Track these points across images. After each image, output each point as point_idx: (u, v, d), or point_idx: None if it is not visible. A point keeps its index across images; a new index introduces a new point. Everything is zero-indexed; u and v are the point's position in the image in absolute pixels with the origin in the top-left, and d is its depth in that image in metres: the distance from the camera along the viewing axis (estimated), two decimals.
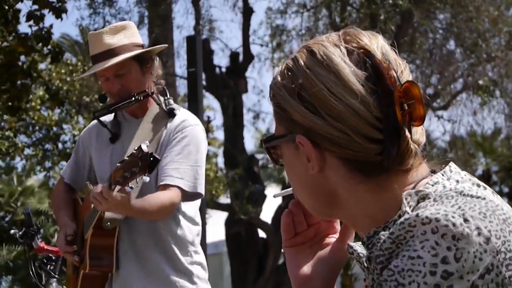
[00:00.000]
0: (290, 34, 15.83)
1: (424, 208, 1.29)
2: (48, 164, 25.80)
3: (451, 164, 1.42)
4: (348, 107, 1.34)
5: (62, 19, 10.32)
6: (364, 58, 1.38)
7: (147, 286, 3.80)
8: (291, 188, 1.55)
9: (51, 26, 10.26)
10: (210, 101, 19.05)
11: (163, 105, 3.89)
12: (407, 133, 1.35)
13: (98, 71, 3.83)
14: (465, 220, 1.23)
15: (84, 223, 3.83)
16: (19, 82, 10.41)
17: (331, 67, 1.37)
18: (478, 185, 1.38)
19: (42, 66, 18.82)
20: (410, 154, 1.37)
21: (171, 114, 3.86)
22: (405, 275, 1.22)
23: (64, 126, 24.41)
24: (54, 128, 24.45)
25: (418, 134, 1.39)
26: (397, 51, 1.44)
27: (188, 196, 3.81)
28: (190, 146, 3.81)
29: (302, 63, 1.41)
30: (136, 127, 3.90)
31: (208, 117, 17.16)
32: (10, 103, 10.82)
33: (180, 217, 3.87)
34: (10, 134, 22.83)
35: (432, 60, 15.86)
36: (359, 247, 1.42)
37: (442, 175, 1.38)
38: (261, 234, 15.92)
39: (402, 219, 1.28)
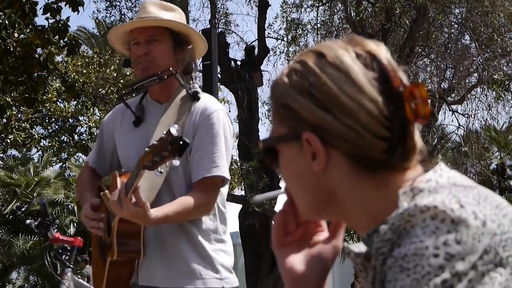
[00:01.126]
0: (305, 28, 15.84)
1: (421, 198, 1.34)
2: (64, 155, 25.95)
3: (441, 163, 1.48)
4: (359, 105, 1.40)
5: (78, 12, 10.38)
6: (371, 61, 1.44)
7: (169, 273, 3.74)
8: (273, 192, 1.61)
9: (67, 18, 10.31)
10: (225, 94, 19.08)
11: (187, 87, 3.84)
12: (414, 131, 1.42)
13: (134, 31, 3.82)
14: (461, 206, 1.29)
15: (110, 213, 3.75)
16: (35, 74, 10.47)
17: (342, 67, 1.43)
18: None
19: (58, 58, 18.93)
20: (415, 151, 1.44)
21: (195, 97, 3.80)
22: (409, 260, 1.26)
23: (80, 118, 24.51)
24: (70, 120, 24.57)
25: (416, 136, 1.45)
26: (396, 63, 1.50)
27: (225, 180, 3.78)
28: (218, 132, 3.75)
29: (312, 64, 1.46)
30: (160, 111, 3.85)
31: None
32: (26, 95, 10.88)
33: None
34: (27, 125, 22.98)
35: (447, 55, 15.82)
36: (355, 247, 1.47)
37: (434, 173, 1.44)
38: None
39: (401, 209, 1.33)
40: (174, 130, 3.09)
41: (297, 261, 1.57)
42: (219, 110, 3.82)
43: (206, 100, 3.86)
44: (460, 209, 1.28)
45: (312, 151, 1.45)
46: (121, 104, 4.05)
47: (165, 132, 3.13)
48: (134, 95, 4.27)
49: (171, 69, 3.75)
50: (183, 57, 3.86)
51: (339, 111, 1.41)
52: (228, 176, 3.78)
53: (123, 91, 4.02)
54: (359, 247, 1.46)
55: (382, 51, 1.46)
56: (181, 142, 3.08)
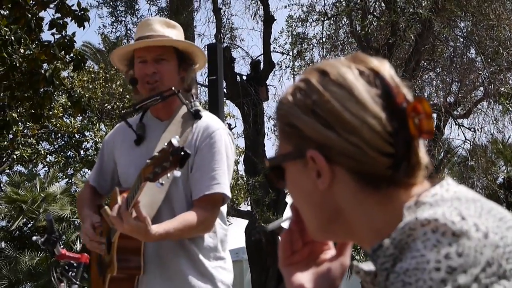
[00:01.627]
0: (310, 42, 15.86)
1: (422, 211, 1.34)
2: (70, 171, 25.95)
3: (448, 179, 1.47)
4: (362, 122, 1.40)
5: (84, 27, 10.41)
6: (374, 78, 1.44)
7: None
8: (285, 217, 1.60)
9: (73, 34, 10.33)
10: (231, 109, 19.08)
11: (189, 106, 3.85)
12: (418, 146, 1.42)
13: (140, 50, 3.82)
14: (462, 218, 1.28)
15: (110, 229, 3.75)
16: (41, 89, 10.48)
17: (345, 85, 1.44)
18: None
19: (64, 74, 18.98)
20: (420, 167, 1.43)
21: (197, 115, 3.82)
22: (411, 274, 1.26)
23: (86, 133, 24.52)
24: (76, 135, 24.58)
25: (422, 152, 1.44)
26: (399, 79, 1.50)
27: (225, 198, 3.79)
28: (220, 151, 3.77)
29: (316, 82, 1.47)
30: (162, 129, 3.87)
31: (229, 125, 17.17)
32: (32, 111, 10.89)
33: None
34: (33, 141, 23.00)
35: (453, 68, 15.83)
36: (365, 266, 1.47)
37: (440, 187, 1.43)
38: None
39: (402, 224, 1.33)
40: (175, 141, 3.11)
41: (305, 279, 1.57)
42: (221, 128, 3.84)
43: (207, 118, 3.88)
44: (461, 221, 1.28)
45: (317, 169, 1.45)
46: (122, 122, 4.05)
47: (166, 144, 3.13)
48: (133, 114, 4.29)
49: (173, 88, 3.76)
50: (187, 76, 3.88)
51: (343, 128, 1.41)
52: (229, 193, 3.79)
53: (125, 111, 4.06)
54: (369, 266, 1.45)
55: (385, 68, 1.46)
56: (182, 153, 3.10)
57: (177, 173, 3.14)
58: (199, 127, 3.81)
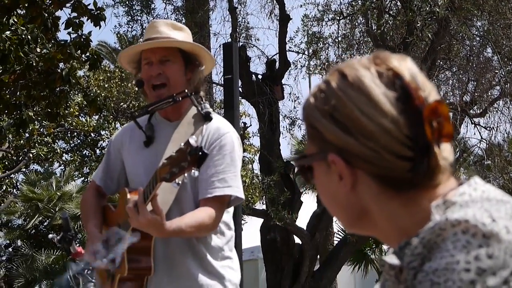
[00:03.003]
0: (326, 41, 15.80)
1: (452, 212, 1.33)
2: (86, 169, 25.99)
3: (475, 177, 1.46)
4: (379, 126, 1.40)
5: (100, 26, 10.43)
6: (393, 80, 1.44)
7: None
8: None
9: (89, 33, 10.36)
10: (246, 108, 19.06)
11: (199, 107, 3.87)
12: (436, 149, 1.40)
13: (146, 51, 3.85)
14: (493, 220, 1.27)
15: (120, 226, 3.78)
16: (58, 88, 10.51)
17: (362, 89, 1.43)
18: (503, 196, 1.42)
19: (80, 73, 19.03)
20: (440, 170, 1.42)
21: (207, 117, 3.84)
22: (440, 274, 1.25)
23: (102, 132, 24.58)
24: (92, 134, 24.64)
25: (446, 151, 1.44)
26: (424, 75, 1.49)
27: (232, 201, 3.83)
28: (231, 153, 3.80)
29: (335, 86, 1.47)
30: (171, 130, 3.89)
31: (244, 124, 17.13)
32: (49, 110, 10.93)
33: None
34: (49, 140, 23.06)
35: (469, 67, 15.74)
36: (389, 259, 1.45)
37: (468, 186, 1.42)
38: (297, 240, 15.90)
39: (431, 223, 1.33)
40: (193, 141, 3.11)
41: None
42: (231, 131, 3.87)
43: (218, 121, 3.90)
44: (492, 223, 1.27)
45: (338, 172, 1.45)
46: (131, 122, 4.07)
47: (183, 144, 3.14)
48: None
49: (186, 91, 3.78)
50: (194, 77, 3.89)
51: (360, 134, 1.41)
52: (243, 196, 3.82)
53: (136, 111, 4.08)
54: (392, 259, 1.45)
55: (405, 67, 1.45)
56: (200, 153, 3.09)
57: (195, 172, 3.15)
58: (209, 129, 3.83)
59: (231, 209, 3.96)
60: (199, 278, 3.78)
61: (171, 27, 3.94)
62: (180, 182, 3.29)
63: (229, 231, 3.95)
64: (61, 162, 26.31)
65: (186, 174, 3.19)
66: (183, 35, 3.96)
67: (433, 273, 1.26)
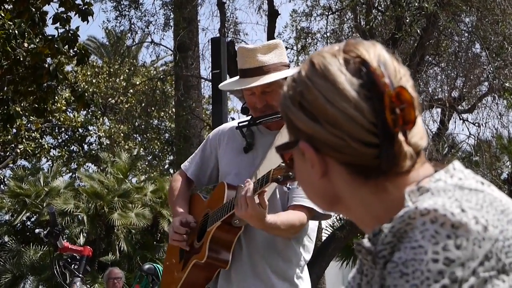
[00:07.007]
0: (315, 37, 15.82)
1: (422, 201, 1.32)
2: (73, 165, 26.02)
3: (455, 162, 1.46)
4: (343, 113, 1.40)
5: (88, 21, 10.41)
6: (359, 67, 1.43)
7: (254, 286, 3.87)
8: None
9: (77, 28, 10.35)
10: (235, 104, 19.08)
11: None
12: (400, 136, 1.39)
13: (248, 87, 3.88)
14: (462, 210, 1.27)
15: (207, 218, 3.92)
16: (45, 84, 10.49)
17: (327, 76, 1.43)
18: (482, 183, 1.41)
19: (68, 68, 18.99)
20: (405, 157, 1.41)
21: None
22: (408, 265, 1.25)
23: (90, 127, 24.58)
24: (80, 130, 24.63)
25: (416, 137, 1.43)
26: (398, 59, 1.48)
27: (317, 216, 3.89)
28: None
29: (304, 74, 1.48)
30: (270, 139, 3.96)
31: (233, 119, 17.16)
32: (36, 105, 10.91)
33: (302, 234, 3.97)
34: (37, 135, 23.04)
35: (457, 63, 15.78)
36: (367, 243, 1.45)
37: (445, 172, 1.42)
38: None
39: (401, 212, 1.32)
40: None
41: None
42: None
43: None
44: (461, 213, 1.26)
45: (310, 159, 1.46)
46: (232, 125, 4.17)
47: None
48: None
49: None
50: None
51: (326, 121, 1.41)
52: (329, 214, 4.01)
53: (242, 121, 4.15)
54: (369, 245, 1.44)
55: (374, 54, 1.44)
56: None
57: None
58: None
59: (315, 223, 4.05)
60: (273, 281, 3.88)
61: (267, 50, 3.92)
62: (290, 187, 3.44)
63: (310, 244, 4.05)
64: (48, 158, 26.29)
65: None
66: (279, 53, 3.95)
67: (402, 264, 1.26)
